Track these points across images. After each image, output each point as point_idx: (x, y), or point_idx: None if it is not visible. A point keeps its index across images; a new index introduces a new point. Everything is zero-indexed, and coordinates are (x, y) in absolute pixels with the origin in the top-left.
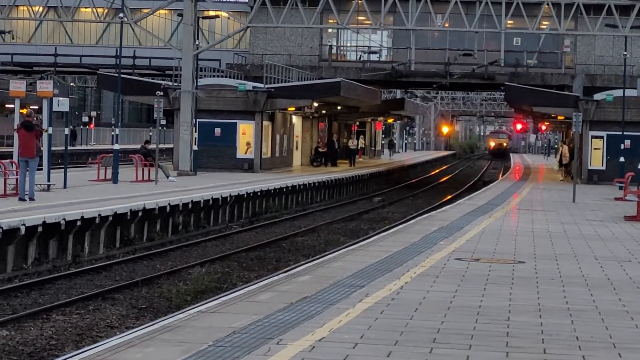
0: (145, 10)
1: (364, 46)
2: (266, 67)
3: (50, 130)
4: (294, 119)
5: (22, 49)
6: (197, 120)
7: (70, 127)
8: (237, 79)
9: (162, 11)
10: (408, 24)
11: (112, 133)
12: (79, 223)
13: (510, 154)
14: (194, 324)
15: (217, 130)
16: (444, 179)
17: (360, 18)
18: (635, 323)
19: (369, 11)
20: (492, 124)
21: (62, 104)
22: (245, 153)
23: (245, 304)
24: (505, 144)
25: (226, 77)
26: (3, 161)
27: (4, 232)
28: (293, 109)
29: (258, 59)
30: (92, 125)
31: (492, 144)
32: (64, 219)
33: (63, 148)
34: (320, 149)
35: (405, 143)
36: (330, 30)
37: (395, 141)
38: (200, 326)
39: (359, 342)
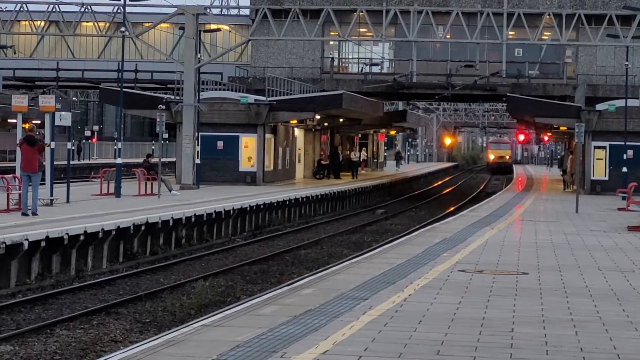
0: (147, 24)
1: (365, 58)
2: (268, 80)
3: (52, 144)
4: (296, 131)
5: (24, 64)
6: (200, 133)
7: (76, 141)
8: (239, 92)
9: (163, 25)
10: (409, 36)
11: (115, 147)
12: (82, 238)
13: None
14: (198, 337)
15: (220, 144)
16: (447, 190)
17: (361, 30)
18: None
19: (370, 23)
20: (494, 134)
21: (65, 119)
22: (249, 162)
23: (249, 317)
24: (508, 157)
25: (228, 90)
26: (6, 176)
27: (7, 247)
28: (295, 121)
29: (260, 71)
30: (94, 140)
31: (492, 156)
32: (67, 234)
33: (66, 162)
34: (322, 162)
35: (408, 155)
36: (331, 42)
37: (402, 154)
38: (204, 340)
39: (363, 354)
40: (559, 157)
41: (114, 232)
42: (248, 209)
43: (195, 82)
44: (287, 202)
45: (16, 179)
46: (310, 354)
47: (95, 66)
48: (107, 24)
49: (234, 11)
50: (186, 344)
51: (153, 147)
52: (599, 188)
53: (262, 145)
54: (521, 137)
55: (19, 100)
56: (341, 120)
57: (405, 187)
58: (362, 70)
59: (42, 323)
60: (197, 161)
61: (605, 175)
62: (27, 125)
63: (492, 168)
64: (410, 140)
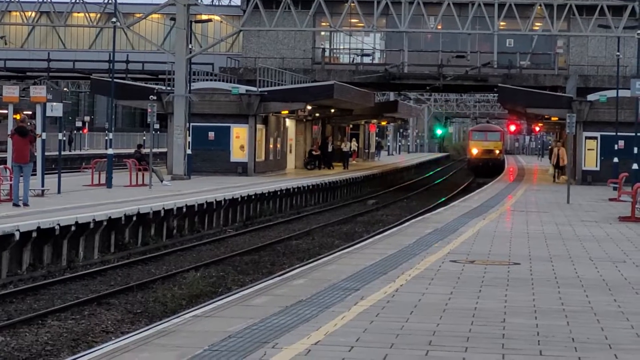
0: (138, 15)
1: (357, 49)
2: (259, 70)
3: (43, 135)
4: (288, 122)
5: (15, 54)
6: (191, 124)
7: (67, 132)
8: (231, 82)
9: (154, 15)
10: (401, 26)
11: (106, 138)
12: (73, 228)
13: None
14: (189, 328)
15: (211, 134)
16: (438, 181)
17: (353, 20)
18: (631, 324)
19: (361, 14)
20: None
21: (56, 109)
22: (241, 151)
23: (241, 308)
24: (497, 151)
25: (219, 80)
26: None
27: None
28: (286, 112)
29: (251, 62)
30: (85, 130)
31: (475, 150)
32: (59, 224)
33: (57, 153)
34: (314, 152)
35: (399, 145)
36: (323, 33)
37: (386, 143)
38: (196, 330)
39: (355, 345)
40: (549, 148)
41: (105, 223)
42: (239, 199)
43: (187, 73)
44: (279, 193)
45: (7, 170)
46: (302, 345)
47: (87, 57)
48: (98, 15)
49: (225, 1)
50: (177, 335)
51: (144, 138)
52: (590, 178)
53: (254, 135)
54: (512, 128)
55: (10, 91)
56: (332, 110)
57: (396, 177)
58: (353, 60)
59: (34, 314)
60: (189, 152)
61: (596, 166)
62: (18, 116)
63: (476, 166)
64: (401, 130)
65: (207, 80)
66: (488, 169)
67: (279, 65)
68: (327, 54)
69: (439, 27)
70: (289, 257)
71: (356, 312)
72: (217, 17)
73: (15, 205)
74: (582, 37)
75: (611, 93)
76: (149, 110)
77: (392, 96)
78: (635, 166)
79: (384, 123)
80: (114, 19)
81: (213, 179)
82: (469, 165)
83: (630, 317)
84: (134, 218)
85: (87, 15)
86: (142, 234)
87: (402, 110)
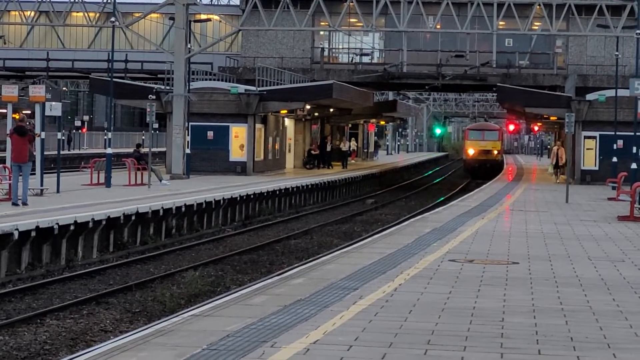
0: (137, 14)
1: (356, 48)
2: (258, 70)
3: (42, 135)
4: (287, 121)
5: (14, 54)
6: (190, 123)
7: (66, 132)
8: (230, 82)
9: (153, 15)
10: (400, 26)
11: (105, 137)
12: (72, 227)
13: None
14: (188, 327)
15: (210, 134)
16: (437, 180)
17: (351, 20)
18: (630, 323)
19: (360, 13)
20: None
21: (55, 109)
22: (241, 150)
23: (239, 307)
24: (496, 152)
25: (218, 80)
26: None
27: None
28: (285, 111)
29: (250, 61)
30: (84, 130)
31: (472, 150)
32: (57, 224)
33: (56, 152)
34: (313, 152)
35: (398, 145)
36: (322, 32)
37: (384, 143)
38: (194, 330)
39: (354, 344)
40: (548, 147)
41: (104, 222)
42: (238, 198)
43: (186, 72)
44: (277, 192)
45: (6, 169)
46: (301, 344)
47: (86, 56)
48: (97, 14)
49: (224, 1)
50: (176, 334)
51: (143, 137)
52: (589, 178)
53: (252, 135)
54: (511, 127)
55: (9, 91)
56: (331, 110)
57: (395, 177)
58: (352, 60)
59: (32, 313)
60: (187, 151)
61: (595, 165)
62: (17, 116)
63: (473, 168)
64: (400, 130)
65: (206, 79)
66: (486, 171)
67: (278, 64)
68: (326, 53)
69: (438, 26)
70: (288, 257)
71: (355, 311)
72: (216, 17)
73: (14, 204)
74: (581, 37)
75: (610, 92)
76: (148, 109)
77: (391, 95)
78: (634, 165)
79: (382, 122)
80: (112, 19)
81: (212, 179)
82: (465, 166)
83: (629, 317)
84: (133, 217)
85: (86, 14)
86: (141, 234)
87: (401, 110)
